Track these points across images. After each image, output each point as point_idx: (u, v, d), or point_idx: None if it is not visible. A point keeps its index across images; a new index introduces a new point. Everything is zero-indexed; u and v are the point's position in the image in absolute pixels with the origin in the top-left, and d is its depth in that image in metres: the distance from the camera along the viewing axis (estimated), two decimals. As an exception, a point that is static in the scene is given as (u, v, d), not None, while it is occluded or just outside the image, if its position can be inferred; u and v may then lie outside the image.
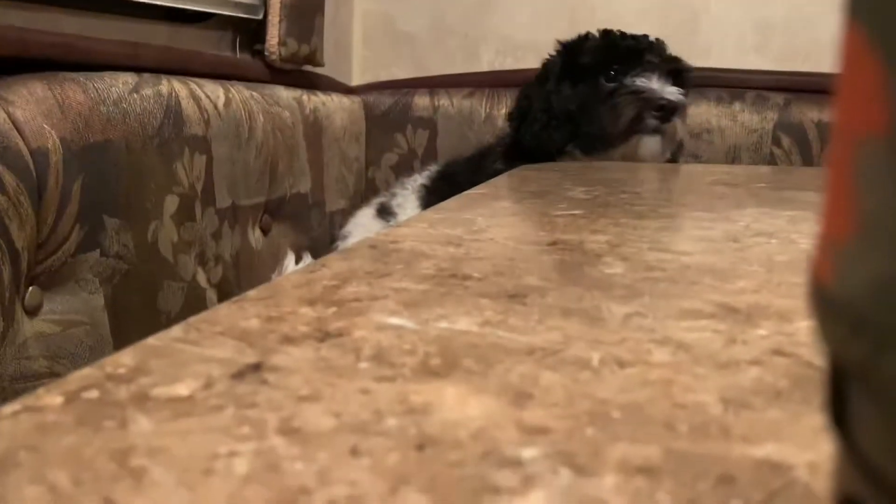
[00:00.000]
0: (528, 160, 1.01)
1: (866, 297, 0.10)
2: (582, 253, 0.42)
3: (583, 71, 1.07)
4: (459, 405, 0.22)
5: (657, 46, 1.08)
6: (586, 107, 1.06)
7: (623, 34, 1.09)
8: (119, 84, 0.77)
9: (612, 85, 1.04)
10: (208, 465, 0.18)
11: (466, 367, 0.25)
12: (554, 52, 1.14)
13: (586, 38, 1.11)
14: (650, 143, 1.04)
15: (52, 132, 0.67)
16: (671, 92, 1.03)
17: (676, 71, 1.07)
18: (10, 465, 0.18)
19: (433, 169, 1.23)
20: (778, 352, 0.26)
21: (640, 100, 1.02)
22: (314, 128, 1.17)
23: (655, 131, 1.04)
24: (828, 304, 0.11)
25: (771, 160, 1.23)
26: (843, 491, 0.12)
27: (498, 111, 1.35)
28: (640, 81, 1.03)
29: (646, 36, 1.08)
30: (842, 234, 0.11)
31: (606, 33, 1.09)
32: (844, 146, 0.11)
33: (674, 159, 1.09)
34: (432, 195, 1.11)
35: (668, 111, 1.03)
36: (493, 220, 0.53)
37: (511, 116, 1.16)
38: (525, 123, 1.10)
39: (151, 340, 0.26)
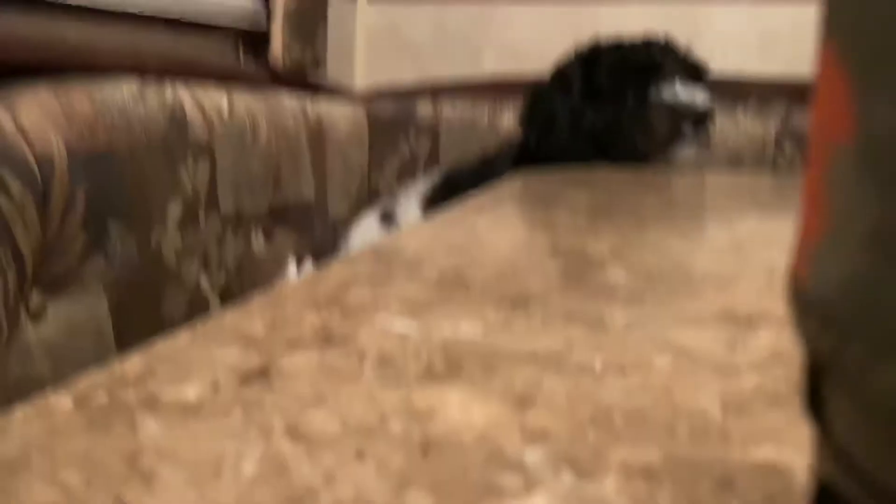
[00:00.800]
0: (540, 168, 1.00)
1: (834, 293, 0.11)
2: (584, 259, 0.42)
3: (602, 87, 1.06)
4: (463, 410, 0.22)
5: (671, 49, 1.07)
6: (617, 125, 1.05)
7: (635, 45, 1.07)
8: (124, 91, 0.78)
9: (639, 101, 1.03)
10: (217, 466, 0.18)
11: (470, 373, 0.25)
12: (568, 60, 1.12)
13: (599, 51, 1.09)
14: (686, 154, 1.04)
15: (58, 139, 0.68)
16: (702, 99, 1.02)
17: (694, 69, 1.06)
18: (22, 466, 0.18)
19: (436, 175, 1.23)
20: (778, 358, 0.27)
21: (674, 113, 1.02)
22: (317, 134, 1.17)
23: (691, 141, 1.03)
24: (802, 300, 0.12)
25: (774, 167, 1.24)
26: (820, 476, 0.12)
27: (501, 117, 1.36)
28: (668, 94, 1.02)
29: (657, 40, 1.07)
30: (815, 234, 0.11)
31: (619, 46, 1.08)
32: (818, 153, 0.11)
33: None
34: (435, 202, 1.12)
35: (702, 118, 1.02)
36: (496, 225, 0.53)
37: (526, 124, 1.14)
38: (547, 135, 1.08)
39: (159, 345, 0.27)
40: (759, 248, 0.46)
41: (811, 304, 0.12)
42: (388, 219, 1.19)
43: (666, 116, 1.02)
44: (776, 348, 0.28)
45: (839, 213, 0.11)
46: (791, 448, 0.20)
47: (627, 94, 1.04)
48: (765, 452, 0.20)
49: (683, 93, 1.02)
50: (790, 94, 1.25)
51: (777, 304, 0.33)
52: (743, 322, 0.31)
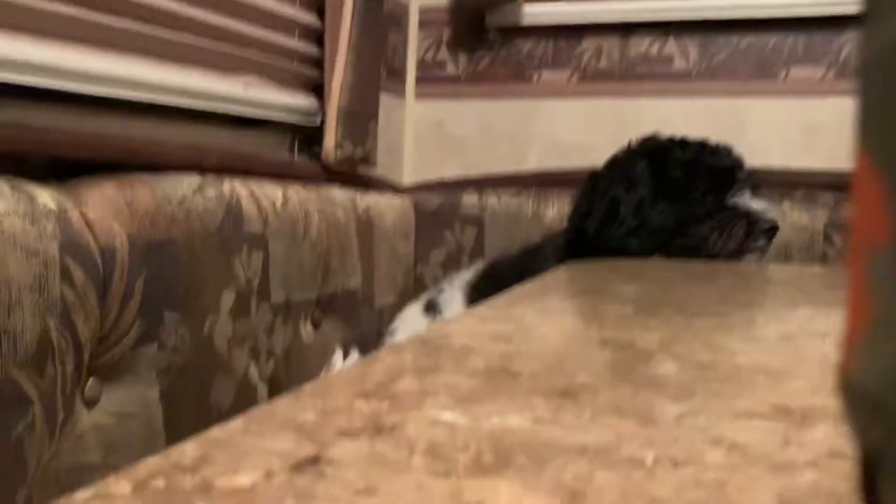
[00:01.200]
0: (592, 259, 1.00)
1: (880, 385, 0.11)
2: (633, 351, 0.42)
3: (673, 184, 1.06)
4: (514, 500, 0.22)
5: (739, 160, 1.08)
6: (685, 223, 1.05)
7: (705, 145, 1.08)
8: (184, 185, 0.81)
9: (716, 203, 1.04)
10: (270, 554, 0.19)
11: (519, 465, 0.25)
12: (629, 153, 1.12)
13: (670, 146, 1.10)
14: (751, 262, 1.04)
15: (121, 231, 0.71)
16: (772, 212, 1.04)
17: (755, 184, 1.07)
18: (84, 549, 0.19)
19: (479, 266, 1.25)
20: (836, 454, 0.26)
21: (750, 222, 1.02)
22: (366, 226, 1.20)
23: (760, 251, 1.04)
24: (852, 392, 0.12)
25: (823, 259, 1.22)
26: None
27: (545, 209, 1.37)
28: (742, 202, 1.03)
29: (725, 146, 1.08)
30: (861, 329, 0.12)
31: (689, 144, 1.09)
32: (858, 254, 0.12)
33: None
34: (479, 292, 1.12)
35: (773, 230, 1.03)
36: (543, 316, 0.53)
37: (584, 213, 1.13)
38: (608, 226, 1.08)
39: (214, 432, 0.27)
40: (811, 340, 0.46)
41: (860, 396, 0.12)
42: (432, 308, 1.20)
43: (743, 223, 1.02)
44: (832, 445, 0.27)
45: (882, 310, 0.11)
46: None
47: (704, 194, 1.04)
48: (825, 552, 0.19)
49: (757, 203, 1.03)
50: (836, 185, 1.25)
51: (831, 400, 0.33)
52: (797, 417, 0.30)
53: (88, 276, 0.66)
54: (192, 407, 0.78)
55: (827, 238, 1.22)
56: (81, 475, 0.64)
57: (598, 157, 1.41)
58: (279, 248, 0.95)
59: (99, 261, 0.68)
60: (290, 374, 0.97)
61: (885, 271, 0.11)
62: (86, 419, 0.67)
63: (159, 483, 0.23)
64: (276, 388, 0.92)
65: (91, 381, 0.69)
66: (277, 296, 0.94)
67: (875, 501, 0.12)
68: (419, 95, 1.55)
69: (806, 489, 0.23)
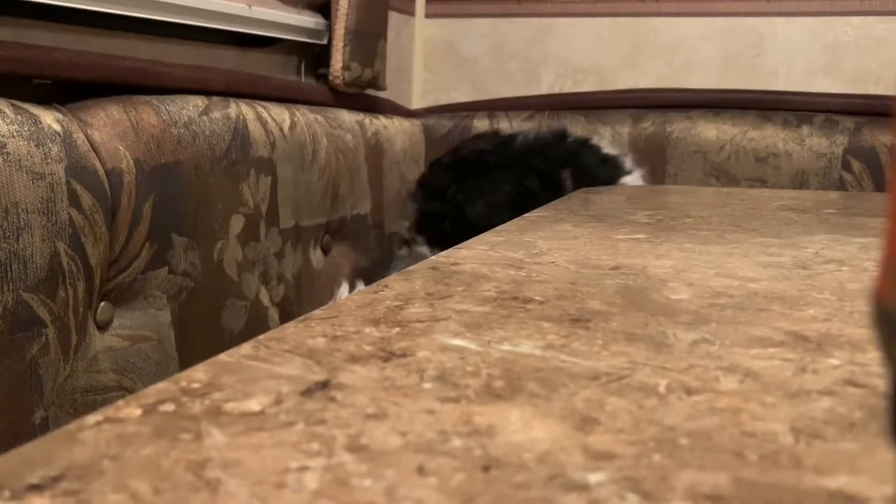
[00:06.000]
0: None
1: None
2: (646, 278, 0.42)
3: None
4: (524, 428, 0.22)
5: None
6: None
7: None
8: (190, 107, 0.80)
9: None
10: (280, 478, 0.19)
11: (530, 391, 0.25)
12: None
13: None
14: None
15: (127, 153, 0.70)
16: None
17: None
18: (94, 472, 0.19)
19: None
20: (851, 382, 0.26)
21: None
22: (375, 150, 1.18)
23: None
24: (890, 323, 0.11)
25: (841, 185, 1.20)
26: None
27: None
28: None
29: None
30: None
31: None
32: None
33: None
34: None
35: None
36: (554, 243, 0.53)
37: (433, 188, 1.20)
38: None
39: (223, 357, 0.27)
40: (827, 268, 0.45)
41: None
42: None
43: None
44: (848, 373, 0.27)
45: None
46: (867, 476, 0.19)
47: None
48: (839, 480, 0.19)
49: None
50: (858, 110, 1.22)
51: (849, 328, 0.32)
52: (812, 345, 0.30)
53: (96, 200, 0.65)
54: (204, 331, 0.79)
55: (845, 165, 1.20)
56: (96, 396, 0.65)
57: (613, 79, 1.38)
58: (287, 172, 0.94)
59: (106, 184, 0.67)
60: (300, 299, 0.97)
61: None
62: (98, 342, 0.68)
63: (169, 407, 0.23)
64: (287, 313, 0.93)
65: (102, 304, 0.69)
66: (286, 221, 0.94)
67: None
68: (429, 14, 1.51)
69: (821, 416, 0.23)
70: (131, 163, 0.70)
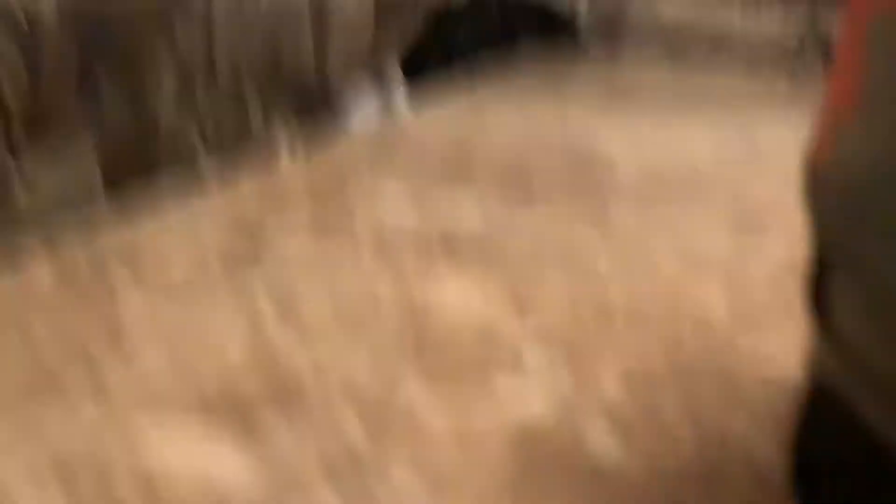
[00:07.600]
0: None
1: (859, 170, 0.10)
2: (594, 156, 0.41)
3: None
4: (462, 302, 0.21)
5: None
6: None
7: None
8: (118, -50, 0.74)
9: None
10: (202, 349, 0.18)
11: (469, 265, 0.24)
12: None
13: None
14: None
15: (48, -2, 0.64)
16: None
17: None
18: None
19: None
20: (791, 268, 0.26)
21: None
22: (320, 1, 1.12)
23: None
24: (821, 179, 0.11)
25: (793, 75, 1.20)
26: (816, 380, 0.12)
27: None
28: None
29: None
30: (843, 114, 0.10)
31: None
32: (856, 25, 0.11)
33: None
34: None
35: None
36: (502, 117, 0.51)
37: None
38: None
39: (148, 221, 0.25)
40: (775, 154, 0.45)
41: (831, 183, 0.11)
42: (386, 92, 1.16)
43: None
44: (789, 257, 0.27)
45: (873, 91, 0.10)
46: (802, 364, 0.19)
47: None
48: (773, 367, 0.19)
49: None
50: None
51: (792, 213, 0.32)
52: (755, 229, 0.30)
53: (14, 44, 0.61)
54: (137, 192, 0.76)
55: (800, 50, 1.19)
56: (18, 255, 0.63)
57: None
58: (224, 23, 0.88)
59: (26, 28, 0.62)
60: (239, 162, 0.94)
61: (886, 39, 0.10)
62: (23, 200, 0.65)
63: (85, 271, 0.21)
64: (225, 177, 0.90)
65: (27, 159, 0.65)
66: (224, 77, 0.90)
67: (822, 303, 0.11)
68: None
69: (759, 301, 0.23)
70: (54, 7, 0.65)
